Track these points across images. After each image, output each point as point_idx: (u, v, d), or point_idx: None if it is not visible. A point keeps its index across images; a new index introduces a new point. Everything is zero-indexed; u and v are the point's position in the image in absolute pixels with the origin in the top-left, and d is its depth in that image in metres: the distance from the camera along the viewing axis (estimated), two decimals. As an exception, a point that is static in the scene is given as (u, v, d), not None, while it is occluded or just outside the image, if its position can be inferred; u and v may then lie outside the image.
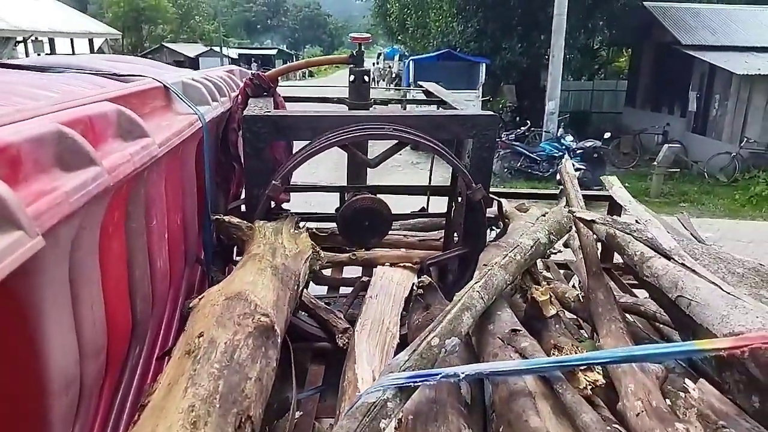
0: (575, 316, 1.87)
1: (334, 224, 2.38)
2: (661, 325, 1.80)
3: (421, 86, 2.65)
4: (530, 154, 12.62)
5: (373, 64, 39.21)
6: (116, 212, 1.14)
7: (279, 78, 2.21)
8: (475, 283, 1.33)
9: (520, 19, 17.35)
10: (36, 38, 18.41)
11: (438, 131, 1.94)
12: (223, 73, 2.27)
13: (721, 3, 20.36)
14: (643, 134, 15.77)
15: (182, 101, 1.55)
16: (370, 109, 2.25)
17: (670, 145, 13.40)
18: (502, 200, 2.19)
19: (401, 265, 2.46)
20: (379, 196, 2.06)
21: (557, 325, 1.48)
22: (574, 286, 2.15)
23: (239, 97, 2.15)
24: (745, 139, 13.73)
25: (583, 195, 2.04)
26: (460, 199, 2.22)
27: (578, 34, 18.34)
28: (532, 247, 1.57)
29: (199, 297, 1.24)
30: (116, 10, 38.35)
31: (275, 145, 2.08)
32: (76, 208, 0.89)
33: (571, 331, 1.54)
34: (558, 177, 2.23)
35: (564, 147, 13.40)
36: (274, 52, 44.28)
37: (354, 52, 2.17)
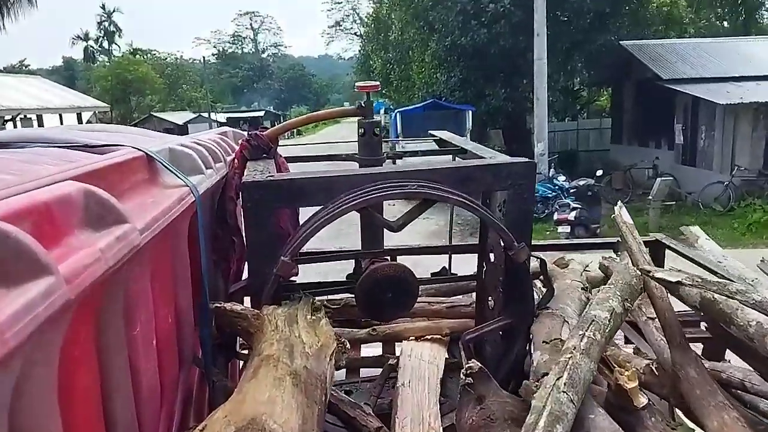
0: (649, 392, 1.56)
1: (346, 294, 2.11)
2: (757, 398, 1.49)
3: (433, 136, 2.41)
4: (525, 197, 12.44)
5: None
6: (83, 330, 0.84)
7: (279, 137, 1.96)
8: (557, 379, 1.03)
9: (501, 65, 17.72)
10: (25, 116, 18.47)
11: (467, 184, 1.68)
12: (215, 136, 2.02)
13: (690, 38, 21.02)
14: (634, 169, 15.90)
15: (170, 171, 1.27)
16: (384, 164, 1.99)
17: (662, 178, 13.45)
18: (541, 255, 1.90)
19: (429, 338, 2.16)
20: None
21: (652, 418, 1.17)
22: (636, 352, 1.84)
23: (235, 161, 1.89)
24: (736, 167, 13.89)
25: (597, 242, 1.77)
26: (492, 257, 1.94)
27: (559, 76, 18.77)
28: (609, 320, 1.28)
29: (200, 429, 0.92)
30: (104, 84, 39.07)
31: (279, 214, 1.80)
32: (20, 342, 0.60)
33: (666, 421, 1.23)
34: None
35: (557, 187, 13.33)
36: (261, 113, 44.97)
37: (362, 102, 1.93)
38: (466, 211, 1.64)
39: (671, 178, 13.88)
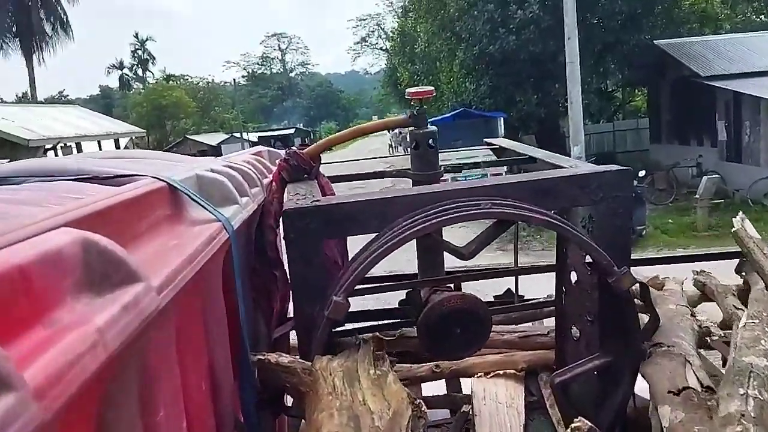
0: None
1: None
2: None
3: (490, 144, 2.13)
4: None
5: (389, 131, 39.69)
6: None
7: (321, 155, 1.72)
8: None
9: (532, 71, 17.37)
10: (65, 144, 18.92)
11: (547, 199, 1.40)
12: (249, 158, 1.79)
13: (725, 33, 20.27)
14: (677, 168, 15.45)
15: (198, 204, 1.03)
16: (441, 180, 1.72)
17: (708, 176, 12.96)
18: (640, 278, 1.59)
19: (502, 373, 1.87)
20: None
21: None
22: None
23: (273, 183, 1.65)
24: None
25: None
26: (576, 279, 1.65)
27: (591, 79, 18.26)
28: (770, 372, 0.97)
29: None
30: (140, 110, 40.21)
31: (326, 243, 1.55)
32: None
33: None
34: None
35: (598, 190, 12.84)
36: (292, 131, 45.48)
37: (415, 110, 1.67)
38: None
39: (717, 175, 13.35)
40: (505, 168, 6.34)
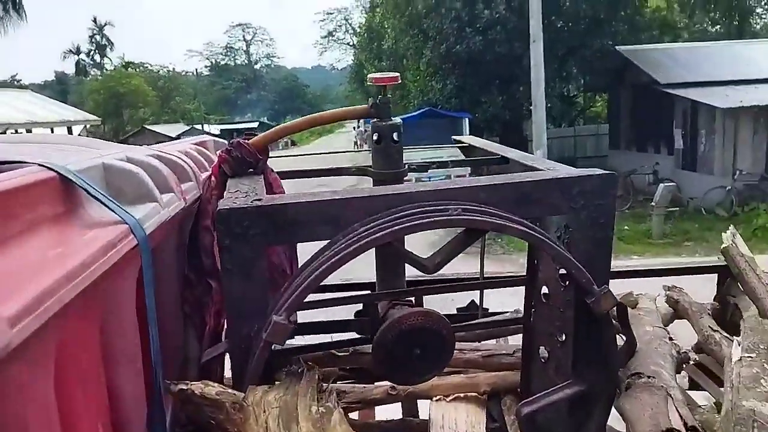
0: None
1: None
2: None
3: (459, 141, 1.95)
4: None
5: (354, 128, 39.31)
6: None
7: (270, 146, 1.50)
8: None
9: (497, 72, 17.46)
10: (16, 131, 18.00)
11: (524, 206, 1.24)
12: (188, 147, 1.57)
13: (683, 41, 20.87)
14: (634, 175, 15.78)
15: (98, 201, 0.82)
16: (405, 179, 1.54)
17: (665, 184, 13.27)
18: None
19: (463, 396, 1.71)
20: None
21: None
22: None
23: (212, 178, 1.43)
24: (738, 171, 13.87)
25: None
26: (547, 293, 1.50)
27: (554, 83, 18.46)
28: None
29: None
30: (96, 98, 38.73)
31: (272, 249, 1.35)
32: None
33: None
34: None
35: (557, 195, 12.99)
36: (255, 124, 44.55)
37: (377, 99, 1.48)
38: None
39: (673, 183, 13.67)
40: (468, 169, 6.13)
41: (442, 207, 1.16)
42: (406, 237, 1.31)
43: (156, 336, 0.90)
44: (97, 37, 59.32)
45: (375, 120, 1.51)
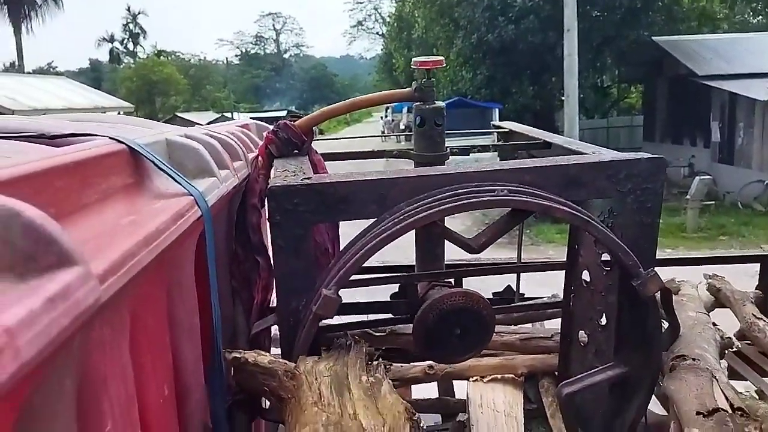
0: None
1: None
2: None
3: (499, 127, 1.95)
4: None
5: (381, 117, 39.32)
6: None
7: (314, 130, 1.54)
8: None
9: (529, 62, 17.21)
10: (50, 116, 18.50)
11: (571, 189, 1.24)
12: (234, 129, 1.61)
13: (722, 32, 20.21)
14: (669, 168, 15.34)
15: (165, 174, 0.86)
16: (447, 162, 1.55)
17: (701, 177, 12.96)
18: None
19: (500, 377, 1.72)
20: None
21: None
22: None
23: (259, 158, 1.47)
24: None
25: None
26: (588, 278, 1.51)
27: (588, 73, 18.11)
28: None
29: None
30: (129, 85, 39.62)
31: (316, 228, 1.38)
32: None
33: None
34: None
35: (590, 187, 12.84)
36: (284, 113, 44.70)
37: (421, 83, 1.50)
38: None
39: (709, 176, 13.33)
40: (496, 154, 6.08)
41: (488, 188, 1.17)
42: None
43: (217, 304, 0.94)
44: (131, 26, 60.40)
45: (418, 104, 1.52)
